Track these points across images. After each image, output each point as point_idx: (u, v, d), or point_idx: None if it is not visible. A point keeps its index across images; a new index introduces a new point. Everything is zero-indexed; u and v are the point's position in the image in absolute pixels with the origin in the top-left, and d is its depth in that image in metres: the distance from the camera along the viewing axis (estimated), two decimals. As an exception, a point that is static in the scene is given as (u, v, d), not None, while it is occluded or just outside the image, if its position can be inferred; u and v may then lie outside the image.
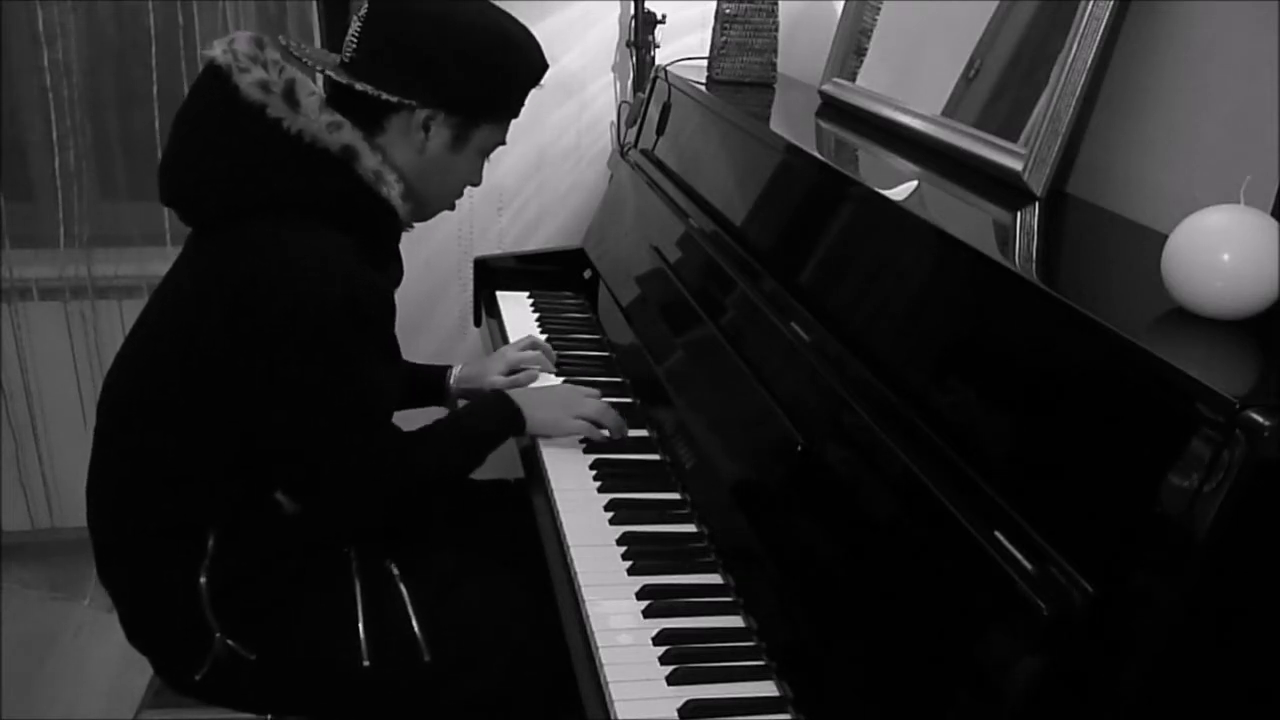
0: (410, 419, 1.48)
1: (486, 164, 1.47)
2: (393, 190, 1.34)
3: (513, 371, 1.71)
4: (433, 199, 1.44)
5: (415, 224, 1.47)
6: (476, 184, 1.48)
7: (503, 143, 1.46)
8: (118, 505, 1.38)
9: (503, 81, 1.39)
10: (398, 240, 1.44)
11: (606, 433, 1.52)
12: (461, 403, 1.68)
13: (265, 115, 1.26)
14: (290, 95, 1.28)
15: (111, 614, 1.42)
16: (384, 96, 1.32)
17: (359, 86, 1.32)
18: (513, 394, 1.51)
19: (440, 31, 1.34)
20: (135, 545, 1.36)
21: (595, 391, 1.58)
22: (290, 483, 1.33)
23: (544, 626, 1.27)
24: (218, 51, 1.29)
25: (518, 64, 1.40)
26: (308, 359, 1.26)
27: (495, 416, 1.48)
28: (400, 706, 1.38)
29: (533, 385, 1.67)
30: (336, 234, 1.29)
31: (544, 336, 1.89)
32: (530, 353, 1.73)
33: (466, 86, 1.35)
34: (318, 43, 2.39)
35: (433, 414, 1.55)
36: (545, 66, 1.43)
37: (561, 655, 1.17)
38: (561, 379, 1.71)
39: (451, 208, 1.50)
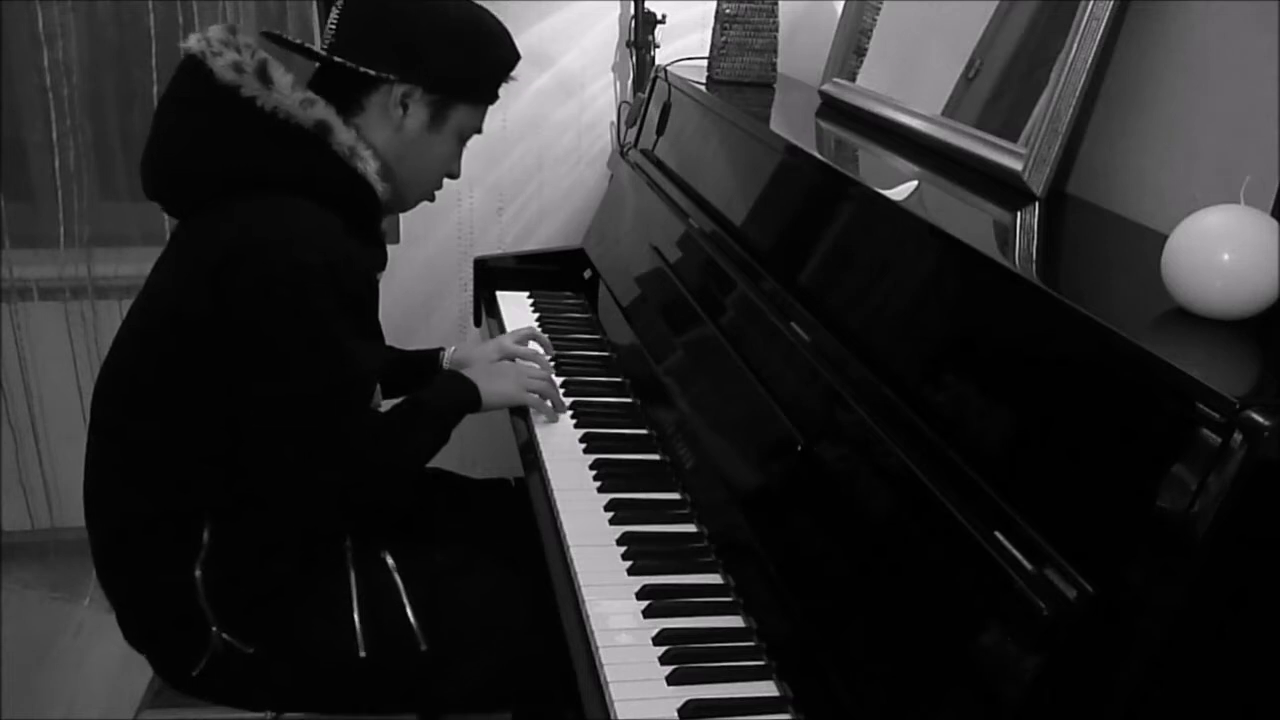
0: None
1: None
2: (368, 166, 1.36)
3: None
4: (411, 182, 1.46)
5: (397, 212, 1.47)
6: (455, 174, 1.51)
7: (479, 130, 1.49)
8: (112, 497, 1.38)
9: (478, 63, 1.43)
10: (378, 223, 1.45)
11: (550, 404, 1.58)
12: None
13: (239, 95, 1.28)
14: (263, 74, 1.30)
15: (111, 614, 1.42)
16: (362, 70, 1.36)
17: (338, 59, 1.35)
18: (465, 371, 1.55)
19: (415, 13, 1.38)
20: (130, 538, 1.36)
21: (536, 367, 1.67)
22: (274, 462, 1.32)
23: (541, 620, 1.27)
24: (192, 42, 1.31)
25: (492, 47, 1.44)
26: (287, 327, 1.26)
27: (453, 395, 1.51)
28: (398, 697, 1.38)
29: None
30: (318, 209, 1.30)
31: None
32: (526, 347, 1.73)
33: (444, 66, 1.39)
34: (317, 43, 2.38)
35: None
36: (518, 56, 1.48)
37: (559, 648, 1.17)
38: (561, 378, 1.71)
39: (431, 198, 1.52)
